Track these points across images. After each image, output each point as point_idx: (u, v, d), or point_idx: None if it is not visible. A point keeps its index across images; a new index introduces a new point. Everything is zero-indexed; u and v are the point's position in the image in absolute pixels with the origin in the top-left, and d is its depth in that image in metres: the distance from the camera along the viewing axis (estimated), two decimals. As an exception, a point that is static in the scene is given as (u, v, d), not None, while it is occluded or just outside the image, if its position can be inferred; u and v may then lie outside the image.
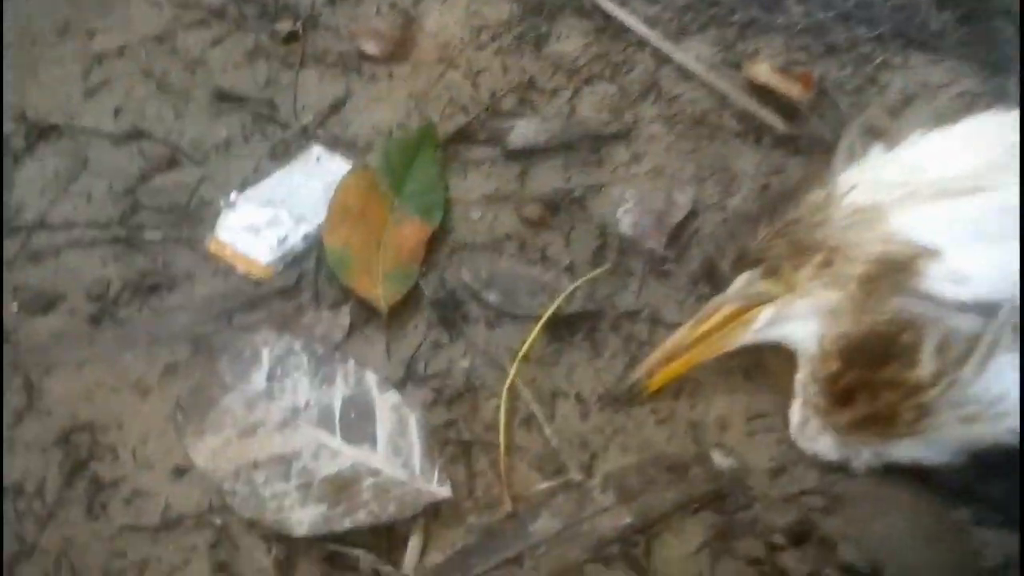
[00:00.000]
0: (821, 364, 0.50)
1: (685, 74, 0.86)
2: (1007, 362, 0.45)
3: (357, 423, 0.53)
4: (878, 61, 0.90)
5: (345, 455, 0.51)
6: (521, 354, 0.57)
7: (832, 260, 0.50)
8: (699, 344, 0.54)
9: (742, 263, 0.53)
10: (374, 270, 0.61)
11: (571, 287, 0.61)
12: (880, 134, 0.68)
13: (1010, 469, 0.51)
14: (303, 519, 0.48)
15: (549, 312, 0.58)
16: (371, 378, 0.55)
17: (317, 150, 0.74)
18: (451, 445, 0.53)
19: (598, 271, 0.63)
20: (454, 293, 0.62)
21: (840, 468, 0.52)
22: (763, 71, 0.85)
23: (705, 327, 0.53)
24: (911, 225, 0.49)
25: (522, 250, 0.66)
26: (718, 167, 0.75)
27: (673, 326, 0.61)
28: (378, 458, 0.51)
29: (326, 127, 0.78)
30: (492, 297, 0.61)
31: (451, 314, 0.60)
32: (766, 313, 0.52)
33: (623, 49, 0.88)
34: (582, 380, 0.57)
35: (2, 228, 0.65)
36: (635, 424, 0.55)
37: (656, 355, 0.55)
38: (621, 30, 0.90)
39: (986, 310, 0.46)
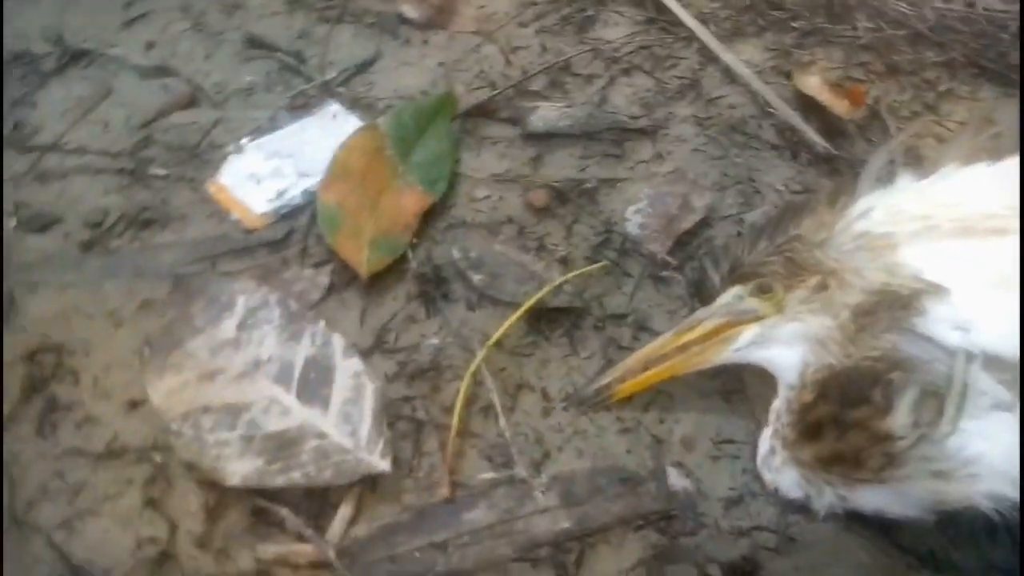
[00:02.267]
0: (797, 394, 0.48)
1: (730, 76, 0.83)
2: (988, 425, 0.42)
3: (314, 384, 0.53)
4: (943, 89, 0.85)
5: (295, 414, 0.51)
6: (493, 340, 0.56)
7: (828, 284, 0.47)
8: (677, 356, 0.52)
9: (734, 277, 0.51)
10: (362, 234, 0.61)
11: (560, 279, 0.59)
12: (926, 161, 0.64)
13: (984, 540, 0.48)
14: (238, 470, 0.48)
15: (531, 301, 0.57)
16: (338, 342, 0.55)
17: (335, 107, 0.74)
18: (403, 421, 0.53)
19: (592, 267, 0.62)
20: (440, 269, 0.61)
21: (800, 509, 0.50)
22: (813, 83, 0.81)
23: (685, 339, 0.52)
24: (922, 260, 0.46)
25: (519, 235, 0.65)
26: (744, 178, 0.72)
27: (660, 335, 0.59)
28: (327, 421, 0.51)
29: (349, 86, 0.78)
30: (477, 278, 0.60)
31: (432, 290, 0.60)
32: (749, 333, 0.50)
33: (670, 43, 0.86)
34: (552, 376, 0.56)
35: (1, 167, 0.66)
36: (596, 429, 0.53)
37: (631, 361, 0.53)
38: (671, 23, 0.87)
39: (987, 363, 0.43)
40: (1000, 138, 0.80)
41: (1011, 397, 0.42)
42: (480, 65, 0.81)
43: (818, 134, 0.77)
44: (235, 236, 0.63)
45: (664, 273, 0.63)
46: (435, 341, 0.57)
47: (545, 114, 0.74)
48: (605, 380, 0.54)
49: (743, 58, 0.85)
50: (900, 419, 0.43)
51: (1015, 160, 0.53)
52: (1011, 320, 0.42)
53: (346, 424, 0.51)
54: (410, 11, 0.84)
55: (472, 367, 0.54)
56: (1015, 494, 0.42)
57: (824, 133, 0.77)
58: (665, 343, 0.52)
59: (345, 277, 0.60)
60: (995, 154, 0.55)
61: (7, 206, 0.64)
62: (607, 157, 0.73)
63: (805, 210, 0.52)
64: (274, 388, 0.53)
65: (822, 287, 0.47)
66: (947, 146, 0.57)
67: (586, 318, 0.59)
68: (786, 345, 0.49)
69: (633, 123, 0.76)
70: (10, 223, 0.63)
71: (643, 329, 0.59)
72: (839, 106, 0.79)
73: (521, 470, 0.50)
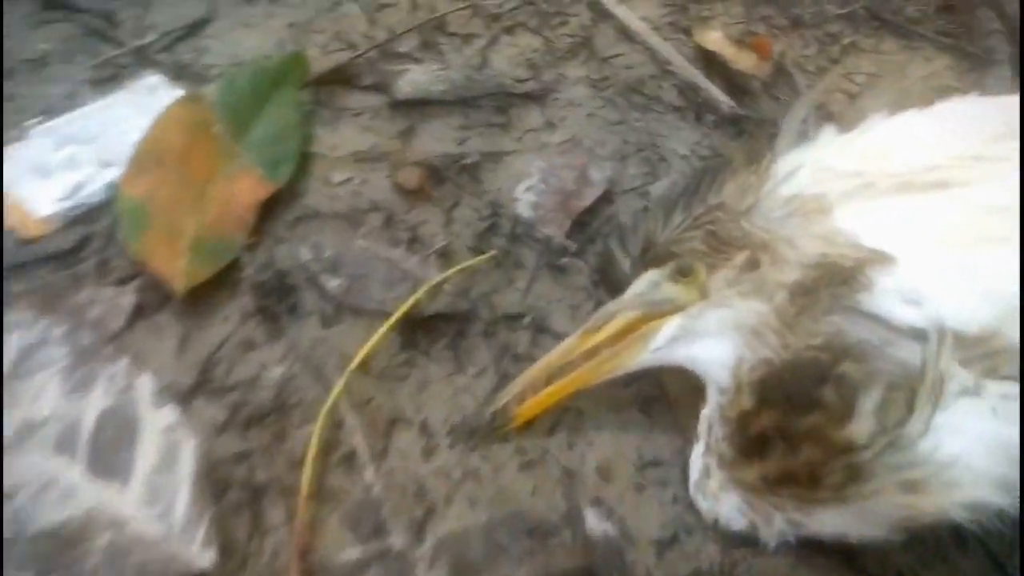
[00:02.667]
0: (732, 399, 0.37)
1: (626, 34, 0.71)
2: (959, 418, 0.33)
3: (110, 449, 0.37)
4: (846, 42, 0.77)
5: (82, 495, 0.36)
6: (356, 363, 0.42)
7: (758, 261, 0.37)
8: (585, 363, 0.40)
9: (647, 259, 0.40)
10: (180, 236, 0.45)
11: (439, 278, 0.46)
12: (835, 117, 0.55)
13: (955, 554, 0.40)
14: (-14, 594, 0.33)
15: (404, 308, 0.44)
16: (144, 385, 0.39)
17: (153, 79, 0.57)
18: (237, 488, 0.38)
19: (478, 259, 0.49)
20: (285, 275, 0.46)
21: (746, 542, 0.39)
22: (714, 38, 0.71)
23: (593, 341, 0.40)
24: (861, 223, 0.37)
25: (388, 226, 0.50)
26: (646, 144, 0.61)
27: (562, 336, 0.47)
28: (127, 501, 0.36)
29: (173, 52, 0.61)
30: (334, 284, 0.46)
31: (275, 304, 0.45)
32: (670, 327, 0.39)
33: (558, -1, 0.73)
34: (434, 403, 0.43)
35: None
36: (492, 468, 0.41)
37: (530, 375, 0.41)
38: (558, -25, 0.75)
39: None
40: (910, 92, 0.73)
41: (975, 380, 0.33)
42: (338, 25, 0.65)
43: (723, 92, 0.66)
44: (8, 249, 0.46)
45: (563, 261, 0.50)
46: (279, 371, 0.42)
47: (415, 78, 0.60)
48: (500, 402, 0.41)
49: (639, 14, 0.74)
50: (863, 424, 0.33)
51: (949, 104, 0.45)
52: (966, 287, 0.34)
53: (154, 503, 0.36)
54: (250, -38, 0.68)
55: (329, 402, 0.40)
56: (998, 498, 0.33)
57: (729, 91, 0.67)
58: (570, 348, 0.40)
59: (157, 295, 0.44)
60: (917, 103, 0.46)
61: None
62: (490, 127, 0.59)
63: (724, 174, 0.42)
64: (52, 460, 0.37)
65: (752, 264, 0.38)
66: (868, 94, 0.48)
67: (473, 323, 0.46)
68: (714, 338, 0.38)
69: (519, 87, 0.63)
70: None
71: (542, 331, 0.47)
72: (745, 61, 0.68)
73: (397, 538, 0.37)
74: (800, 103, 0.49)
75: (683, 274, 0.39)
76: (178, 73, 0.59)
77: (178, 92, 0.57)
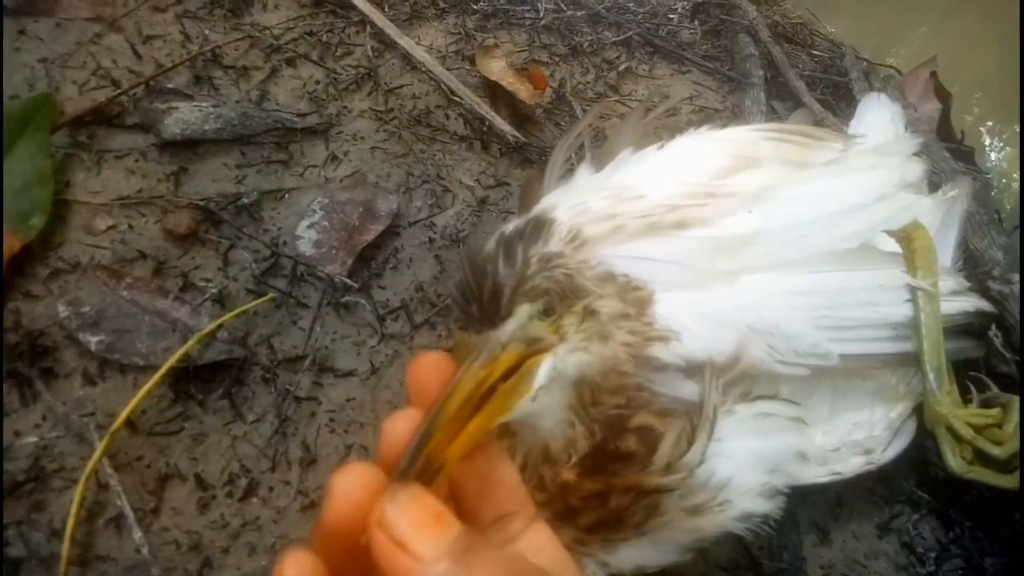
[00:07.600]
0: (554, 472, 0.38)
1: (411, 64, 0.77)
2: (727, 440, 0.39)
3: None
4: (622, 68, 0.87)
5: None
6: (119, 423, 0.43)
7: (596, 310, 0.38)
8: (490, 399, 0.32)
9: (523, 291, 0.36)
10: (-92, 303, 0.44)
11: (210, 326, 0.48)
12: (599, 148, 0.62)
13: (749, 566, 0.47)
14: None
15: (170, 362, 0.45)
16: None
17: None
18: (-13, 566, 0.39)
19: (255, 303, 0.51)
20: (38, 336, 0.46)
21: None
22: (496, 67, 0.78)
23: (496, 374, 0.33)
24: (622, 267, 0.40)
25: (157, 274, 0.52)
26: (432, 175, 0.66)
27: (346, 375, 0.51)
28: None
29: (-103, 93, 0.58)
30: (95, 340, 0.47)
31: (27, 367, 0.45)
32: (545, 366, 0.36)
33: (341, 29, 0.77)
34: (210, 454, 0.45)
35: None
36: (272, 514, 0.43)
37: (448, 409, 0.29)
38: (342, 6, 0.79)
39: (692, 372, 0.39)
40: (675, 114, 0.84)
41: (731, 404, 0.40)
42: (99, 60, 0.65)
43: (507, 122, 0.73)
44: None
45: (346, 298, 0.54)
46: (33, 439, 0.43)
47: (184, 116, 0.61)
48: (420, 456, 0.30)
49: (424, 43, 0.80)
50: (659, 462, 0.38)
51: (682, 141, 0.52)
52: (704, 322, 0.40)
53: None
54: (-7, -9, 0.66)
55: (90, 465, 0.41)
56: (762, 507, 0.40)
57: (513, 120, 0.74)
58: (479, 380, 0.32)
59: None
60: (665, 133, 0.54)
61: None
62: (270, 164, 0.62)
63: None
64: None
65: (589, 313, 0.38)
66: (618, 129, 0.54)
67: (251, 369, 0.49)
68: (565, 386, 0.38)
69: (300, 121, 0.66)
70: None
71: (326, 371, 0.50)
72: (523, 90, 0.76)
73: (169, 595, 0.39)
74: (562, 141, 0.54)
75: (547, 313, 0.37)
76: (-96, 118, 0.56)
77: (-96, 139, 0.55)
